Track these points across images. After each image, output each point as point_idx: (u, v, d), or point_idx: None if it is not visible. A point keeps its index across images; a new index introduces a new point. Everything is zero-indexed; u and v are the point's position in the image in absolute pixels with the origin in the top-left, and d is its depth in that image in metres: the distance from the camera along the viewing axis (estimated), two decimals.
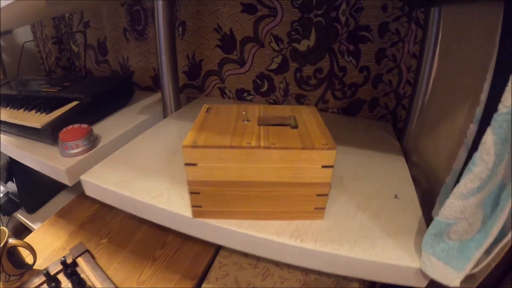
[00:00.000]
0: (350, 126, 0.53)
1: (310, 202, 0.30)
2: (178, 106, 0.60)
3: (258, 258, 0.48)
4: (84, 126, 0.48)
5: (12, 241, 0.47)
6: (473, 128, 0.24)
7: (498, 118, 0.18)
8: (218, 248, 0.50)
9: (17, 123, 0.53)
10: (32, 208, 0.76)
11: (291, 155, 0.27)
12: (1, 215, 0.77)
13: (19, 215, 0.77)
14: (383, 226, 0.30)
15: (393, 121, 0.54)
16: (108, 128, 0.53)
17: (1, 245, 0.46)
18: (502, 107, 0.18)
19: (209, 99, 0.67)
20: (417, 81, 0.43)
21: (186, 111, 0.61)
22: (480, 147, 0.19)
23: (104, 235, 0.53)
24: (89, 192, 0.40)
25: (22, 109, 0.59)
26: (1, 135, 0.55)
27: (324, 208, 0.31)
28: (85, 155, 0.46)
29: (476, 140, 0.23)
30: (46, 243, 0.54)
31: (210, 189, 0.29)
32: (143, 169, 0.40)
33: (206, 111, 0.35)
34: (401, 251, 0.26)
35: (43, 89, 0.66)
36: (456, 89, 0.34)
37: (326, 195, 0.30)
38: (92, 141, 0.48)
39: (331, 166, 0.28)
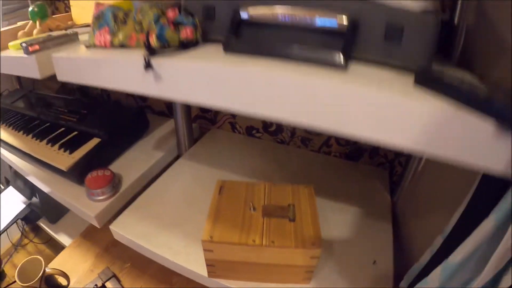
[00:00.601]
0: (349, 172, 0.63)
1: (300, 274, 0.42)
2: (191, 138, 0.70)
3: None
4: (108, 173, 0.59)
5: (49, 270, 0.63)
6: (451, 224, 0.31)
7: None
8: None
9: (44, 160, 0.65)
10: (54, 219, 0.92)
11: (287, 251, 0.38)
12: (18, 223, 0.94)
13: (42, 224, 0.94)
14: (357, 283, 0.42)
15: (390, 170, 0.64)
16: (127, 167, 0.65)
17: (40, 274, 0.61)
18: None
19: (220, 132, 0.76)
20: (408, 160, 0.52)
21: (199, 150, 0.71)
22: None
23: (126, 259, 0.68)
24: (118, 238, 0.53)
25: (45, 142, 0.70)
26: (27, 164, 0.67)
27: (310, 278, 0.43)
28: (110, 200, 0.58)
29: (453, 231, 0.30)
30: (74, 263, 0.70)
31: (222, 263, 0.42)
32: (164, 222, 0.52)
33: (219, 192, 0.46)
34: None
35: (62, 116, 0.76)
36: (440, 180, 0.43)
37: (312, 271, 0.42)
38: (115, 186, 0.60)
39: (318, 257, 0.39)
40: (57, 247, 0.94)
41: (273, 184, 0.47)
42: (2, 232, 0.90)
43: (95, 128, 0.68)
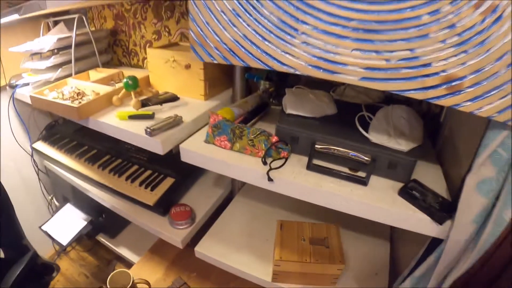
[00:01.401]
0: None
1: (330, 280, 0.77)
2: (242, 185, 1.03)
3: None
4: (188, 208, 0.92)
5: (136, 280, 0.95)
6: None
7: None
8: None
9: (132, 196, 0.97)
10: (114, 234, 1.24)
11: (324, 266, 0.73)
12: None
13: (102, 239, 1.26)
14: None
15: None
16: (196, 201, 0.97)
17: (130, 283, 0.94)
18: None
19: None
20: None
21: (249, 190, 1.04)
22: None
23: (192, 270, 1.02)
24: (200, 256, 0.87)
25: (124, 178, 1.02)
26: (109, 196, 0.99)
27: (336, 283, 0.78)
28: (190, 228, 0.91)
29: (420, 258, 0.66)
30: (148, 274, 1.02)
31: (283, 273, 0.76)
32: (233, 245, 0.86)
33: (280, 228, 0.80)
34: None
35: (132, 155, 1.08)
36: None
37: (337, 278, 0.77)
38: (193, 218, 0.93)
39: (342, 270, 0.74)
40: (100, 256, 1.26)
41: (314, 224, 0.82)
42: (68, 246, 1.21)
43: (168, 169, 1.01)
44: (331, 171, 0.60)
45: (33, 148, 1.28)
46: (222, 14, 0.49)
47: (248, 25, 0.48)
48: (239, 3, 0.47)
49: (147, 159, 1.07)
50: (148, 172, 1.04)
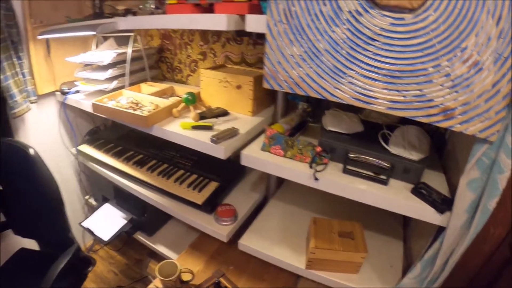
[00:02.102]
0: (377, 214, 1.26)
1: (354, 267, 1.04)
2: (277, 188, 1.31)
3: None
4: (232, 207, 1.20)
5: (182, 269, 1.21)
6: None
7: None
8: (297, 277, 1.25)
9: (181, 196, 1.24)
10: (151, 233, 1.51)
11: (351, 254, 1.01)
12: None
13: (140, 236, 1.52)
14: (383, 279, 1.04)
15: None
16: (237, 202, 1.25)
17: (177, 274, 1.19)
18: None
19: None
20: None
21: (282, 195, 1.32)
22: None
23: (229, 263, 1.28)
24: (243, 249, 1.14)
25: (173, 180, 1.30)
26: (158, 196, 1.27)
27: (358, 270, 1.05)
28: (233, 225, 1.18)
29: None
30: (189, 267, 1.28)
31: (316, 260, 1.03)
32: (271, 239, 1.13)
33: (314, 223, 1.08)
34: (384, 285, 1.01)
35: (177, 160, 1.36)
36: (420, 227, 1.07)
37: (360, 266, 1.04)
38: (236, 216, 1.20)
39: (364, 258, 1.01)
40: (129, 255, 1.51)
41: (340, 221, 1.09)
42: (109, 242, 1.47)
43: (212, 174, 1.29)
44: (361, 174, 0.88)
45: (78, 151, 1.55)
46: (291, 57, 0.78)
47: (311, 67, 0.77)
48: (305, 51, 0.77)
49: (191, 165, 1.35)
50: (194, 177, 1.32)
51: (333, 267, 1.04)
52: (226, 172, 1.32)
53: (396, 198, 0.84)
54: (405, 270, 1.07)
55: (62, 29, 1.33)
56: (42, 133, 1.57)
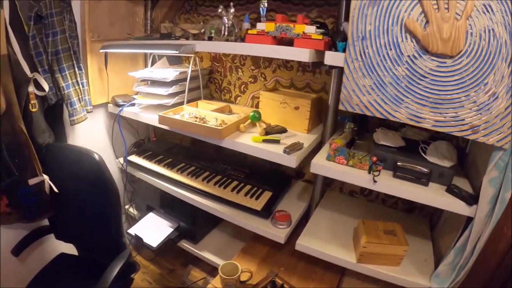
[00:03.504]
0: (408, 217, 1.69)
1: (397, 260, 1.45)
2: (320, 198, 1.72)
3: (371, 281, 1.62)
4: (287, 213, 1.59)
5: (243, 269, 1.57)
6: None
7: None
8: (343, 272, 1.63)
9: (238, 203, 1.62)
10: (198, 240, 1.85)
11: (395, 247, 1.42)
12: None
13: (184, 244, 1.85)
14: (420, 270, 1.44)
15: (430, 218, 1.71)
16: (288, 210, 1.64)
17: (239, 273, 1.54)
18: None
19: (333, 193, 1.80)
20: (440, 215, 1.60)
21: (325, 204, 1.73)
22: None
23: (280, 266, 1.64)
24: (300, 249, 1.52)
25: (229, 190, 1.67)
26: (216, 204, 1.64)
27: (400, 263, 1.46)
28: (288, 228, 1.57)
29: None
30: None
31: (366, 254, 1.43)
32: (323, 240, 1.52)
33: (363, 224, 1.49)
34: (420, 277, 1.41)
35: (231, 172, 1.74)
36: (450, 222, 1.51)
37: (402, 259, 1.45)
38: (291, 220, 1.59)
39: (406, 251, 1.43)
40: (162, 265, 1.83)
41: (384, 222, 1.51)
42: (157, 248, 1.78)
43: (265, 185, 1.68)
44: (407, 178, 1.32)
45: (128, 161, 1.89)
46: (363, 87, 1.22)
47: (378, 95, 1.21)
48: (374, 83, 1.21)
49: (244, 177, 1.74)
50: (248, 187, 1.70)
51: (380, 260, 1.44)
52: (276, 183, 1.72)
53: (435, 196, 1.26)
54: (437, 263, 1.48)
55: (134, 45, 1.71)
56: (90, 141, 1.90)
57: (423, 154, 1.36)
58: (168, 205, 1.88)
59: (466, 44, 1.11)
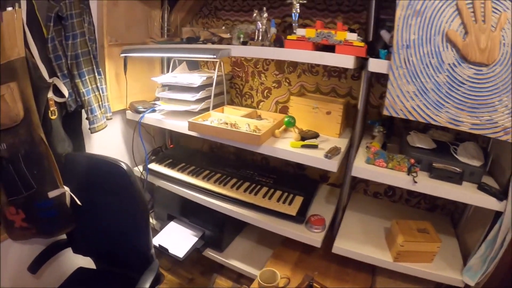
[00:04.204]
0: (432, 216, 1.89)
1: (430, 257, 1.63)
2: (347, 201, 1.88)
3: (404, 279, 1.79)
4: (321, 217, 1.73)
5: (281, 275, 1.69)
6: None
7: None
8: (373, 271, 1.80)
9: (272, 209, 1.74)
10: (224, 247, 1.95)
11: (430, 243, 1.60)
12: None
13: (210, 253, 1.95)
14: (450, 265, 1.64)
15: (451, 215, 1.91)
16: (320, 212, 1.79)
17: (278, 279, 1.67)
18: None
19: (358, 195, 1.96)
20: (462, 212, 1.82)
21: (352, 207, 1.89)
22: None
23: (312, 270, 1.78)
24: (338, 252, 1.66)
25: (261, 196, 1.80)
26: (245, 210, 1.76)
27: (433, 259, 1.64)
28: (324, 232, 1.72)
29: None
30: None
31: (402, 253, 1.60)
32: (358, 241, 1.68)
33: (397, 224, 1.66)
34: (452, 272, 1.61)
35: (258, 178, 1.87)
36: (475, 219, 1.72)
37: (435, 255, 1.64)
38: (325, 224, 1.74)
39: (439, 246, 1.62)
40: (180, 275, 1.93)
41: (415, 221, 1.69)
42: (184, 258, 1.87)
43: (295, 189, 1.82)
44: (442, 177, 1.50)
45: (149, 169, 1.96)
46: (407, 93, 1.39)
47: (420, 101, 1.38)
48: (417, 89, 1.38)
49: (273, 183, 1.87)
50: (279, 192, 1.83)
51: (415, 257, 1.62)
52: (305, 188, 1.86)
53: (470, 193, 1.45)
54: (464, 258, 1.68)
55: (160, 49, 1.79)
56: (108, 150, 1.96)
57: (454, 155, 1.56)
58: (191, 213, 1.97)
59: (500, 54, 1.31)
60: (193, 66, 2.13)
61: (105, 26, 1.83)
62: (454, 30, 1.32)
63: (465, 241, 1.78)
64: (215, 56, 1.58)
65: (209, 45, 1.72)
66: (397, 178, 1.49)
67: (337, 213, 1.86)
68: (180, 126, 1.81)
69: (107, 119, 1.88)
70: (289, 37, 1.56)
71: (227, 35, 1.77)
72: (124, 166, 1.60)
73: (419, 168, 1.52)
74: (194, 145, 2.31)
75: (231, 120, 1.78)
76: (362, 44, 1.46)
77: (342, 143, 1.71)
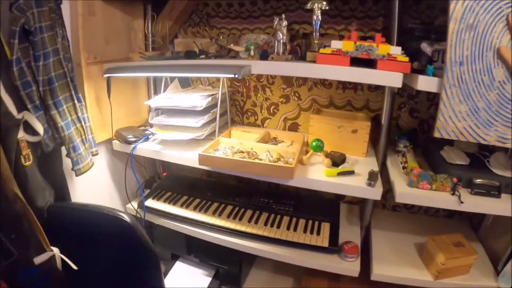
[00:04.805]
0: (452, 223, 1.91)
1: (467, 269, 1.64)
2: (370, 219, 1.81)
3: None
4: (354, 244, 1.64)
5: None
6: None
7: None
8: None
9: (301, 242, 1.61)
10: (241, 283, 1.77)
11: (466, 257, 1.60)
12: None
13: None
14: (482, 272, 1.66)
15: (469, 221, 1.95)
16: (349, 238, 1.70)
17: None
18: None
19: (377, 211, 1.90)
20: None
21: (376, 224, 1.83)
22: None
23: None
24: (379, 279, 1.59)
25: (285, 228, 1.65)
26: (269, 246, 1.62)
27: (469, 270, 1.65)
28: (358, 259, 1.63)
29: None
30: None
31: (443, 270, 1.58)
32: (394, 263, 1.63)
33: (433, 241, 1.63)
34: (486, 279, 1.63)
35: (275, 207, 1.71)
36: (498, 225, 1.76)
37: (471, 266, 1.65)
38: (358, 253, 1.65)
39: (475, 258, 1.62)
40: None
41: (447, 235, 1.68)
42: None
43: (320, 215, 1.70)
44: (483, 193, 1.49)
45: (146, 207, 1.70)
46: (459, 113, 1.33)
47: (472, 120, 1.33)
48: (469, 109, 1.33)
49: (293, 210, 1.72)
50: (303, 221, 1.70)
51: (453, 272, 1.61)
52: (328, 211, 1.75)
53: (508, 206, 1.46)
54: (493, 263, 1.71)
55: (158, 67, 1.52)
56: (95, 190, 1.66)
57: (489, 167, 1.55)
58: (199, 251, 1.77)
59: None
60: (184, 83, 1.87)
61: (81, 41, 1.51)
62: (506, 47, 1.28)
63: (491, 246, 1.81)
64: (237, 76, 1.35)
65: (226, 61, 1.49)
66: (443, 200, 1.44)
67: (366, 234, 1.79)
68: (186, 158, 1.58)
69: (93, 155, 1.58)
70: (322, 50, 1.39)
71: (241, 48, 1.55)
72: (128, 219, 1.35)
73: (461, 186, 1.48)
74: (189, 171, 2.05)
75: (246, 148, 1.59)
76: (407, 59, 1.36)
77: (372, 163, 1.62)
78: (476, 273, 1.63)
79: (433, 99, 1.77)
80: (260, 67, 1.44)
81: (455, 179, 1.46)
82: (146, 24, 1.78)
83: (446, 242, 1.62)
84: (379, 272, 1.58)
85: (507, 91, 1.31)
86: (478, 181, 1.49)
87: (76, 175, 1.51)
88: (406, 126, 1.84)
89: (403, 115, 1.82)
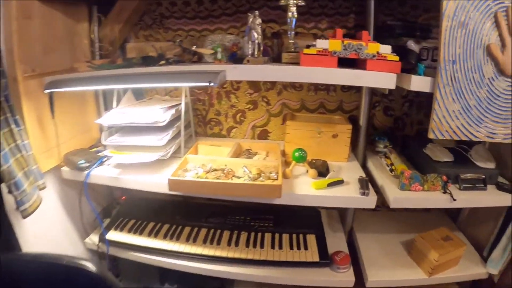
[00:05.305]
0: (426, 220, 1.91)
1: (457, 260, 1.64)
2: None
3: None
4: (345, 254, 1.56)
5: None
6: None
7: None
8: None
9: (290, 260, 1.50)
10: None
11: (458, 250, 1.60)
12: None
13: None
14: (471, 260, 1.67)
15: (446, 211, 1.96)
16: (337, 246, 1.62)
17: None
18: None
19: (357, 212, 1.84)
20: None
21: (359, 227, 1.77)
22: None
23: None
24: (374, 285, 1.53)
25: (269, 247, 1.53)
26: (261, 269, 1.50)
27: (459, 261, 1.65)
28: (349, 270, 1.56)
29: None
30: None
31: (436, 267, 1.57)
32: (387, 266, 1.58)
33: (423, 238, 1.61)
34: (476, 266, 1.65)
35: (252, 224, 1.58)
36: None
37: (460, 258, 1.65)
38: (349, 263, 1.58)
39: (464, 249, 1.63)
40: None
41: (435, 230, 1.67)
42: None
43: (303, 228, 1.60)
44: (471, 187, 1.48)
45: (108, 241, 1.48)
46: (453, 112, 1.27)
47: (464, 119, 1.28)
48: (462, 107, 1.27)
49: (274, 225, 1.60)
50: (286, 236, 1.58)
51: (446, 266, 1.59)
52: (310, 221, 1.65)
53: (496, 196, 1.45)
54: (478, 250, 1.72)
55: (113, 77, 1.29)
56: (46, 229, 1.42)
57: (473, 161, 1.55)
58: (175, 280, 1.58)
59: None
60: (138, 93, 1.64)
61: (16, 50, 1.23)
62: (495, 44, 1.25)
63: (472, 234, 1.83)
64: (212, 84, 1.17)
65: (195, 66, 1.30)
66: (436, 199, 1.41)
67: (351, 239, 1.72)
68: (152, 184, 1.38)
69: (40, 189, 1.33)
70: (306, 50, 1.26)
71: (210, 51, 1.36)
72: (93, 269, 1.13)
73: (451, 183, 1.46)
74: (149, 191, 1.84)
75: (219, 165, 1.43)
76: (397, 58, 1.28)
77: (355, 168, 1.55)
78: (465, 263, 1.65)
79: (406, 96, 1.73)
80: (237, 73, 1.27)
81: (444, 177, 1.43)
82: (91, 28, 1.52)
83: (435, 238, 1.61)
84: (374, 279, 1.53)
85: (495, 87, 1.29)
86: (465, 176, 1.47)
87: (23, 217, 1.26)
88: (381, 125, 1.79)
89: (377, 114, 1.76)
